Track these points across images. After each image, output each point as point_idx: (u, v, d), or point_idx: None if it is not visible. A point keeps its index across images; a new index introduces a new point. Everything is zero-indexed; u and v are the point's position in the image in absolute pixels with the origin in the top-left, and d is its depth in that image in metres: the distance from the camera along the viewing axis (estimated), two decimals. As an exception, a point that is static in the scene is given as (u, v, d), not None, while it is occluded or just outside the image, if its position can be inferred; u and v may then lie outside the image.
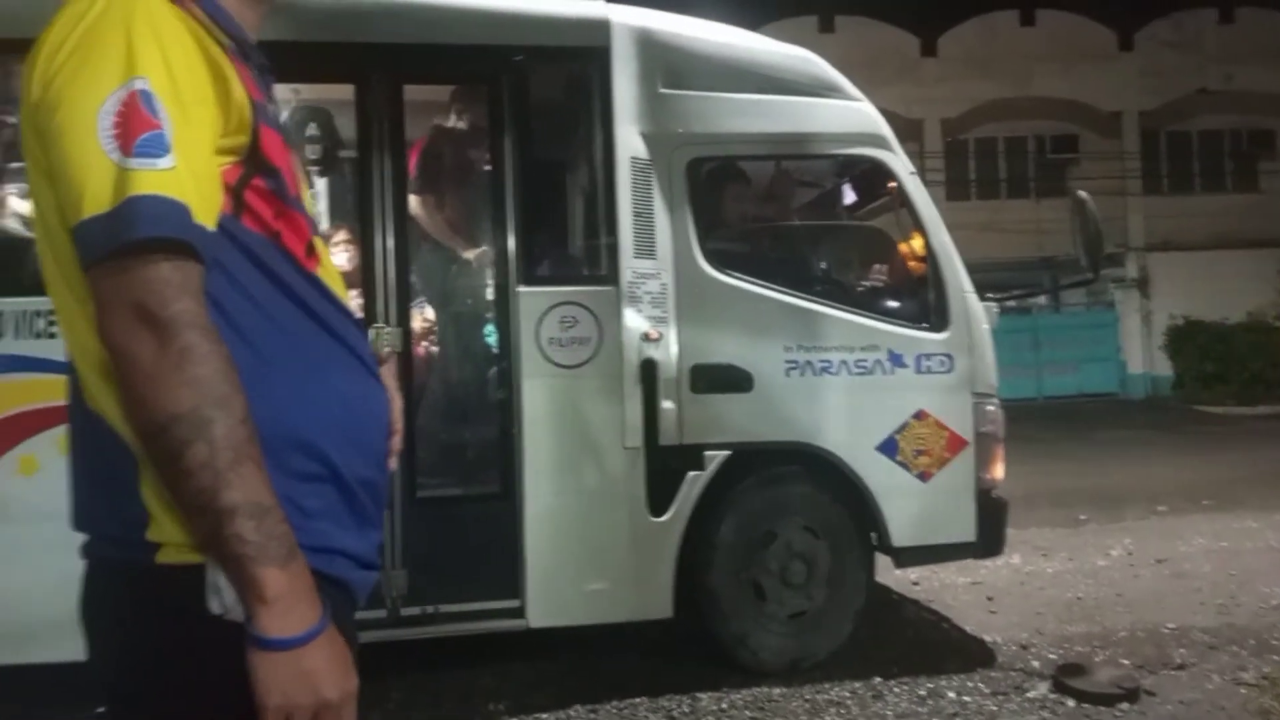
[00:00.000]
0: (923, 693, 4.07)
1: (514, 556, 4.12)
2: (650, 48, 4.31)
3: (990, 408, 4.51)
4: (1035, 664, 4.41)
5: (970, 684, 4.16)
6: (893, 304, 4.65)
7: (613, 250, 4.23)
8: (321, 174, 5.08)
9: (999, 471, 4.53)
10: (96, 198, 1.05)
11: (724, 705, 3.98)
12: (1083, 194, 4.70)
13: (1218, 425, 16.43)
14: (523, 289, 4.16)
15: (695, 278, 4.28)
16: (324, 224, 4.93)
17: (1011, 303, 7.93)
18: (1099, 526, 7.68)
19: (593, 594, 4.15)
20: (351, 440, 1.22)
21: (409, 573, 4.06)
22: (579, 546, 4.15)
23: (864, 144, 4.59)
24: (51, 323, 3.65)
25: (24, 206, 4.11)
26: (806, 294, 4.44)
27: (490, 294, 4.45)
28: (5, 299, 3.71)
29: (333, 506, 1.20)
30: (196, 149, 1.11)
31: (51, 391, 3.46)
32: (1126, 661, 4.41)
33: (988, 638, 4.82)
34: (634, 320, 4.19)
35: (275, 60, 1.34)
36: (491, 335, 4.48)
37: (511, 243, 4.20)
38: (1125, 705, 3.87)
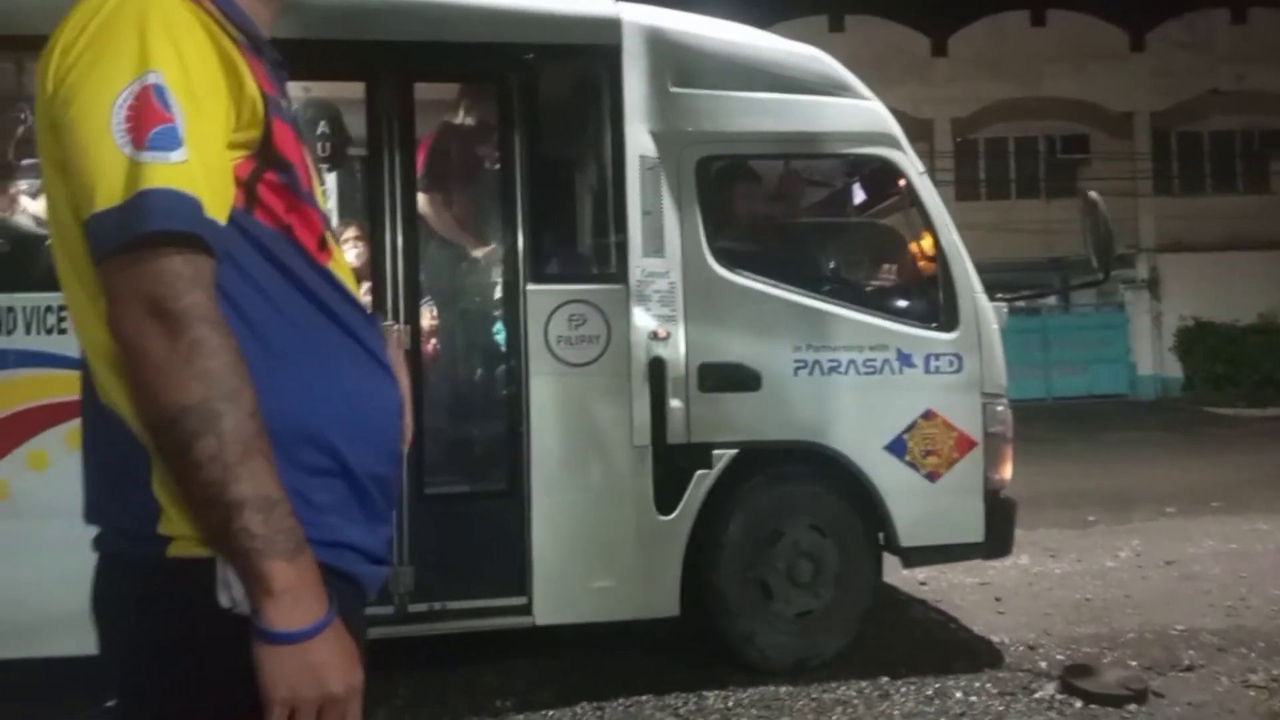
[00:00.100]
0: (930, 692, 4.06)
1: (521, 554, 4.13)
2: (660, 46, 4.31)
3: (999, 408, 4.50)
4: (1043, 665, 4.40)
5: (977, 684, 4.15)
6: (902, 304, 4.64)
7: (622, 249, 4.23)
8: (331, 171, 5.09)
9: (1007, 472, 4.52)
10: (109, 191, 1.06)
11: (730, 704, 3.98)
12: (1094, 194, 4.68)
13: (1228, 427, 16.37)
14: (531, 287, 4.17)
15: (704, 276, 4.28)
16: (333, 222, 4.93)
17: (1021, 303, 7.91)
18: (1108, 528, 7.65)
19: (599, 592, 4.15)
20: (362, 435, 1.23)
21: (416, 569, 4.07)
22: (586, 544, 4.15)
23: (874, 143, 4.58)
24: (62, 318, 3.67)
25: (33, 203, 4.14)
26: (815, 293, 4.43)
27: (499, 292, 4.46)
28: (16, 294, 3.72)
29: (343, 501, 1.21)
30: (209, 143, 1.11)
31: (62, 387, 3.50)
32: (1134, 663, 4.40)
33: (995, 638, 4.81)
34: (642, 319, 4.19)
35: (285, 58, 1.35)
36: (500, 333, 4.48)
37: (520, 241, 4.21)
38: (1133, 707, 3.86)
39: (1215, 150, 24.59)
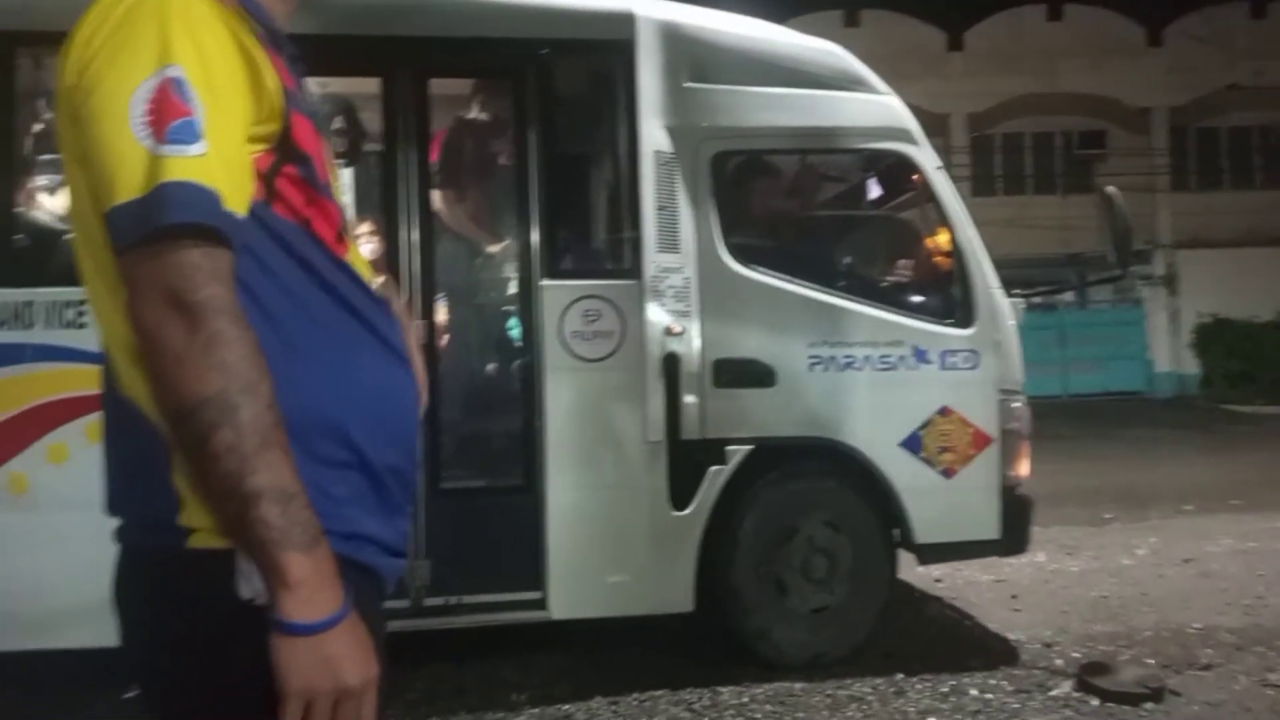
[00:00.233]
0: (945, 689, 4.05)
1: (536, 548, 4.14)
2: (675, 41, 4.30)
3: (1016, 404, 4.48)
4: (1059, 662, 4.38)
5: (993, 682, 4.13)
6: (918, 299, 4.62)
7: (636, 244, 4.23)
8: (346, 167, 5.11)
9: (1024, 468, 4.50)
10: (128, 184, 1.06)
11: (745, 699, 3.97)
12: (1112, 189, 4.65)
13: (1245, 424, 16.27)
14: (546, 282, 4.17)
15: (719, 272, 4.28)
16: (348, 216, 4.95)
17: (1037, 299, 7.88)
18: (1124, 525, 7.61)
19: (614, 587, 4.16)
20: (380, 427, 1.23)
21: (432, 563, 4.08)
22: (601, 539, 4.15)
23: (890, 138, 4.57)
24: (80, 313, 3.69)
25: (50, 199, 4.16)
26: (830, 289, 4.42)
27: (514, 287, 4.46)
28: (36, 289, 3.75)
29: (361, 493, 1.21)
30: (228, 136, 1.11)
31: (80, 381, 3.53)
32: (1151, 661, 4.37)
33: (1011, 635, 4.80)
34: (657, 314, 4.19)
35: (302, 54, 1.35)
36: (515, 328, 4.49)
37: (535, 236, 4.21)
38: (1150, 705, 3.83)
39: (1233, 146, 24.41)
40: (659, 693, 4.04)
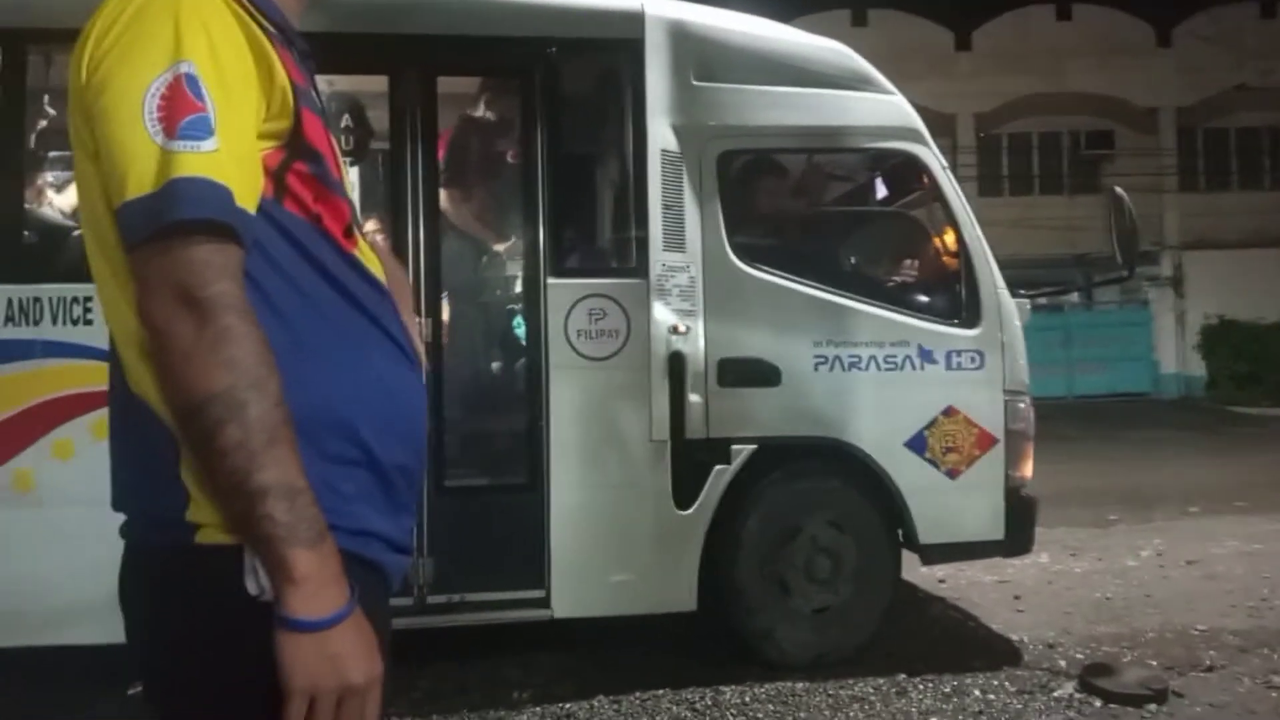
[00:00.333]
0: (947, 690, 4.04)
1: (540, 547, 4.14)
2: (683, 40, 4.30)
3: (1021, 405, 4.47)
4: (1062, 663, 4.37)
5: (996, 682, 4.12)
6: (923, 299, 4.62)
7: (642, 243, 4.23)
8: (353, 165, 5.11)
9: (1028, 469, 4.49)
10: (140, 179, 1.07)
11: (747, 699, 3.97)
12: (1119, 190, 4.65)
13: (1251, 426, 16.22)
14: (552, 281, 4.17)
15: (724, 271, 4.28)
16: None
17: (1043, 300, 7.86)
18: (1129, 527, 7.60)
19: (617, 586, 4.16)
20: (388, 425, 1.23)
21: (436, 561, 4.09)
22: (604, 538, 4.16)
23: (897, 138, 4.56)
24: (88, 309, 3.70)
25: (59, 195, 4.18)
26: (836, 288, 4.42)
27: (519, 285, 4.47)
28: (43, 285, 3.76)
29: (369, 491, 1.21)
30: (240, 133, 1.12)
31: (87, 377, 3.54)
32: (1155, 662, 4.37)
33: (1014, 636, 4.79)
34: (662, 313, 4.19)
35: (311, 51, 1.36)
36: (520, 327, 4.49)
37: (541, 234, 4.21)
38: (1153, 706, 3.83)
39: (1241, 146, 24.34)
40: (661, 692, 4.04)
